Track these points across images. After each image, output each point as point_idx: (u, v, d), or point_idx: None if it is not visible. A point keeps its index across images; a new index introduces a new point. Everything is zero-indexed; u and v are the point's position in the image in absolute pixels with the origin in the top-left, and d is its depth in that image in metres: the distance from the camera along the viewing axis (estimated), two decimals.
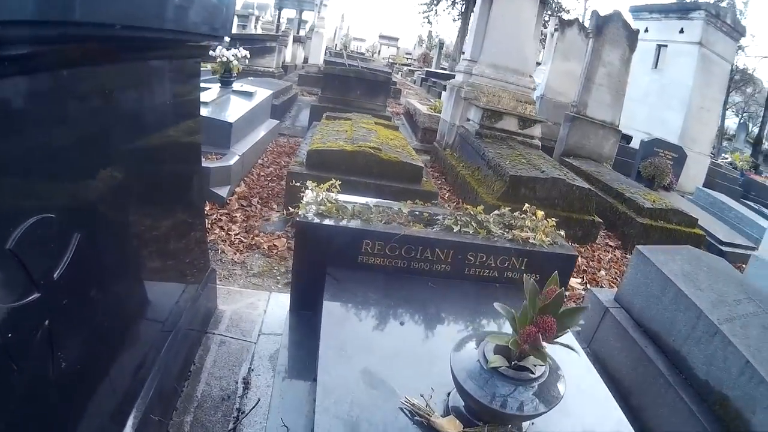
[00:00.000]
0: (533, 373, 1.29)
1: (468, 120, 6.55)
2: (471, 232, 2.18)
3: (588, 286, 4.19)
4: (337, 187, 2.44)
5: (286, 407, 1.74)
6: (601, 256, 4.88)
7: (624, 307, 2.71)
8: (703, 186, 8.25)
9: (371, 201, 2.34)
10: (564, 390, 1.34)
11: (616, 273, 4.64)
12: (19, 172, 1.01)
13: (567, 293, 3.87)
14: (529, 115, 6.51)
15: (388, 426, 1.36)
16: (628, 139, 9.55)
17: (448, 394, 1.49)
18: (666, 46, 10.35)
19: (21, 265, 0.97)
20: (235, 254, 3.74)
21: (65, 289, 1.12)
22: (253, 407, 2.07)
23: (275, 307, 2.87)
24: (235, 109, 5.41)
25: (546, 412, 1.28)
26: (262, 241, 3.96)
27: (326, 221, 2.11)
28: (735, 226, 6.34)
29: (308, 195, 2.32)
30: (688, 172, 8.44)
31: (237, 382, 2.22)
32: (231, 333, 2.56)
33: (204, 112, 4.80)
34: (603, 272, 4.54)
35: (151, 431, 1.71)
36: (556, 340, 1.27)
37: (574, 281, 4.07)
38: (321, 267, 2.10)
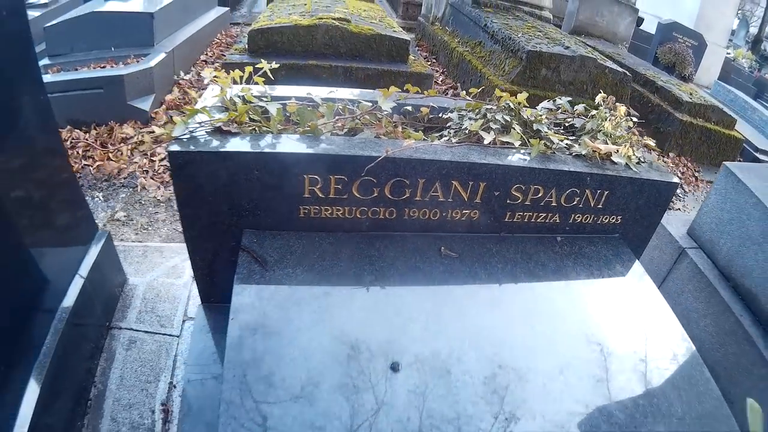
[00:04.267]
0: None
1: None
2: (516, 143, 1.13)
3: None
4: (269, 73, 1.36)
5: None
6: None
7: (702, 248, 2.04)
8: (717, 80, 7.32)
9: (320, 92, 1.26)
10: None
11: None
12: None
13: None
14: None
15: None
16: (638, 21, 8.37)
17: None
18: None
19: None
20: (159, 189, 2.71)
21: None
22: None
23: None
24: None
25: None
26: None
27: (229, 143, 1.05)
28: (762, 130, 5.50)
29: (207, 94, 1.27)
30: (703, 63, 7.45)
31: (153, 411, 1.58)
32: (144, 324, 1.86)
33: (118, 7, 3.91)
34: None
35: None
36: None
37: None
38: (233, 230, 1.09)
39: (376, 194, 1.09)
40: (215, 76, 1.36)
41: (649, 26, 7.95)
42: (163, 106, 3.53)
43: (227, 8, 6.23)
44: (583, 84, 3.64)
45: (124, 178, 2.82)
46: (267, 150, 1.05)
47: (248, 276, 0.99)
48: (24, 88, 1.31)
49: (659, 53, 6.65)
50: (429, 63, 5.10)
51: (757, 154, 4.60)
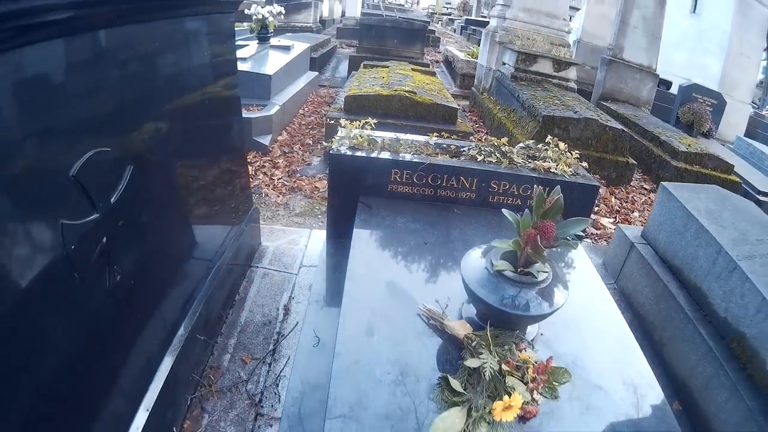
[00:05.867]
0: (536, 277, 1.41)
1: (503, 64, 6.51)
2: (494, 161, 2.28)
3: (620, 225, 4.21)
4: (371, 124, 2.57)
5: (320, 322, 1.95)
6: (635, 198, 4.83)
7: (650, 243, 2.73)
8: (744, 136, 7.57)
9: (401, 136, 2.47)
10: (567, 294, 1.42)
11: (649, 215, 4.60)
12: (77, 115, 1.13)
13: (598, 231, 3.91)
14: (564, 58, 6.38)
15: (406, 330, 1.46)
16: (667, 84, 9.04)
17: (463, 303, 1.64)
18: None
19: (83, 190, 1.11)
20: (279, 197, 3.96)
21: (120, 213, 1.28)
22: (292, 330, 2.27)
23: (316, 242, 3.08)
24: (273, 62, 5.57)
25: (550, 313, 1.34)
26: (304, 183, 4.17)
27: (358, 153, 2.26)
28: None
29: (341, 131, 2.47)
30: (728, 120, 7.93)
31: (278, 309, 2.40)
32: (273, 266, 2.76)
33: (243, 66, 4.93)
34: (636, 213, 4.51)
35: (198, 349, 1.88)
36: (556, 246, 1.38)
37: (606, 221, 4.09)
38: (354, 196, 2.26)
39: (424, 181, 2.25)
40: (349, 123, 2.59)
41: (677, 89, 8.31)
42: (277, 143, 4.88)
43: (317, 72, 7.55)
44: (588, 139, 4.64)
45: (251, 188, 4.08)
46: (375, 157, 2.25)
47: (362, 211, 2.16)
48: (236, 117, 2.30)
49: (680, 113, 7.17)
50: (477, 126, 6.22)
51: (759, 196, 5.01)
